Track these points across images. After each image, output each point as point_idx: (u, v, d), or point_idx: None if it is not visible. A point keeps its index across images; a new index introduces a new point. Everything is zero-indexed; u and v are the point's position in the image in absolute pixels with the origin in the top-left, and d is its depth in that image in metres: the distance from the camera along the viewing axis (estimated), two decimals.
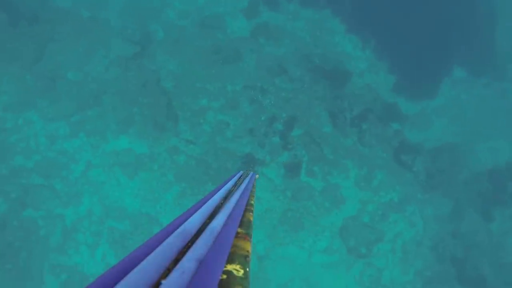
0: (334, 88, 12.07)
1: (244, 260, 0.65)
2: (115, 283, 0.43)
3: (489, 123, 14.44)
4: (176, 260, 0.56)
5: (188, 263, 0.53)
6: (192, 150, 11.46)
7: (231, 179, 1.48)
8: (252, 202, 1.16)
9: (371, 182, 11.72)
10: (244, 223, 0.88)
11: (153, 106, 11.10)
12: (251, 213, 1.02)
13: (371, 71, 12.89)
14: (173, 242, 0.61)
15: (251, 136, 11.49)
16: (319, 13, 12.73)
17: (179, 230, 0.68)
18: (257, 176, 1.92)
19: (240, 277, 0.58)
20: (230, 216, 0.84)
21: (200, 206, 0.89)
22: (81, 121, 10.65)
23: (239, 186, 1.35)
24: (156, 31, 11.74)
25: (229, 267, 0.61)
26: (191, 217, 0.77)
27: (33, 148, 10.32)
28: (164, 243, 0.60)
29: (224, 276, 0.57)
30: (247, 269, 0.62)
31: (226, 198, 1.11)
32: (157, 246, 0.58)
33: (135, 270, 0.47)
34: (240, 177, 1.64)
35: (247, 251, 0.70)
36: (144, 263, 0.50)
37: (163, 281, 0.47)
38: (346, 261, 10.98)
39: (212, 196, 1.04)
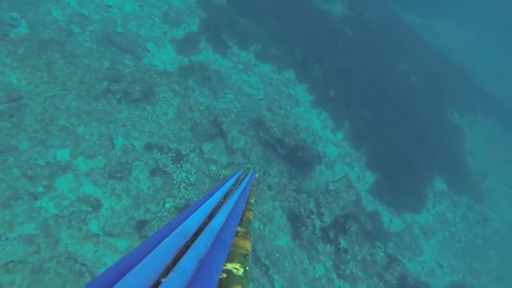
0: (295, 175, 7.66)
1: (244, 259, 0.63)
2: (115, 282, 0.42)
3: (482, 259, 11.04)
4: (176, 260, 0.55)
5: (188, 262, 0.52)
6: None
7: (230, 178, 1.33)
8: (252, 201, 1.09)
9: None
10: (244, 222, 0.85)
11: None
12: (250, 212, 0.97)
13: (344, 162, 9.09)
14: (173, 242, 0.59)
15: (138, 235, 5.75)
16: (280, 73, 9.36)
17: (178, 229, 0.65)
18: (256, 175, 1.75)
19: (240, 276, 0.56)
20: (230, 215, 0.80)
21: (200, 205, 0.83)
22: None
23: (239, 185, 1.26)
24: (16, 21, 6.81)
25: (229, 266, 0.59)
26: (191, 216, 0.74)
27: None
28: (164, 243, 0.58)
29: (224, 275, 0.55)
30: (247, 268, 0.60)
31: (226, 197, 1.06)
32: (156, 246, 0.56)
33: (135, 269, 0.46)
34: (240, 176, 1.50)
35: (247, 250, 0.68)
36: (144, 262, 0.49)
37: (163, 280, 0.46)
38: None
39: (212, 195, 0.97)
